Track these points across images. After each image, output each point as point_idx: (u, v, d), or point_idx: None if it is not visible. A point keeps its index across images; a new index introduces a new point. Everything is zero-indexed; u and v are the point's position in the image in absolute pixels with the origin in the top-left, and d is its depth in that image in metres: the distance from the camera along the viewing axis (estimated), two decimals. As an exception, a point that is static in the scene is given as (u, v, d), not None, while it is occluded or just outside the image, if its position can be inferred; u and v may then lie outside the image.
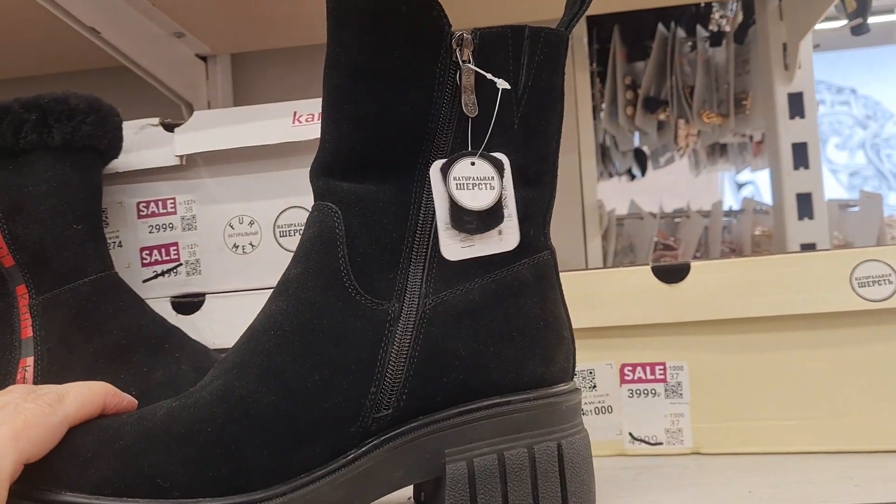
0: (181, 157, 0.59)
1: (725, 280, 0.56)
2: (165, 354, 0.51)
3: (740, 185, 3.06)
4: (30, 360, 0.50)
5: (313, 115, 0.58)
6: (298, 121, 0.58)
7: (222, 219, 0.60)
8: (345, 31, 0.39)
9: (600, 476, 0.44)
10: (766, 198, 2.10)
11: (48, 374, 0.49)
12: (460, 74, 0.40)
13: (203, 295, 0.59)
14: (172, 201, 0.60)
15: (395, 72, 0.39)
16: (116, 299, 0.52)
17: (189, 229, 0.60)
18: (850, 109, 3.36)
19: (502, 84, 0.40)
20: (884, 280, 0.53)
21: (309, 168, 0.58)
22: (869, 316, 0.54)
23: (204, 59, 1.04)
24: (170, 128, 0.60)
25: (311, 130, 0.57)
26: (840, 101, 3.38)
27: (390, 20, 0.38)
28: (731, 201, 2.61)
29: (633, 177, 1.80)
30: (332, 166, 0.41)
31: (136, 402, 0.41)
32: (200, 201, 0.60)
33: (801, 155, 1.02)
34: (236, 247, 0.59)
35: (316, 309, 0.39)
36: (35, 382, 0.49)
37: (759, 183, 2.69)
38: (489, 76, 0.40)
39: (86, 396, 0.38)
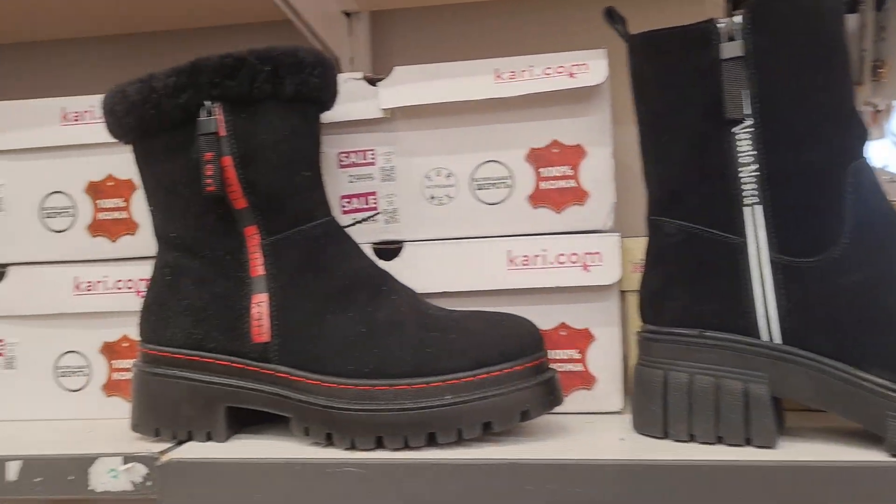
0: (385, 110, 0.62)
1: None
2: (384, 296, 0.54)
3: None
4: (263, 297, 0.54)
5: (514, 72, 0.60)
6: (500, 77, 0.60)
7: (420, 171, 0.62)
8: None
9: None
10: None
11: (282, 310, 0.53)
12: None
13: (401, 242, 0.62)
14: (372, 152, 0.63)
15: None
16: (340, 243, 0.55)
17: (388, 180, 0.63)
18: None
19: None
20: None
21: (507, 124, 0.61)
22: None
23: (348, 14, 1.07)
24: (372, 82, 0.62)
25: (513, 87, 0.59)
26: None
27: None
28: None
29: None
30: None
31: None
32: (399, 153, 0.63)
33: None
34: (433, 198, 0.62)
35: None
36: (270, 317, 0.53)
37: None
38: None
39: None
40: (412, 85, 0.61)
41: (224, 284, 0.55)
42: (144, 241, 0.65)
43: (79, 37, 1.03)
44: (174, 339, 0.55)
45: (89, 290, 0.65)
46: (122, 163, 0.65)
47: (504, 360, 0.50)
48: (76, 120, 0.65)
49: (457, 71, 0.61)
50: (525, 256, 0.60)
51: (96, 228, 0.66)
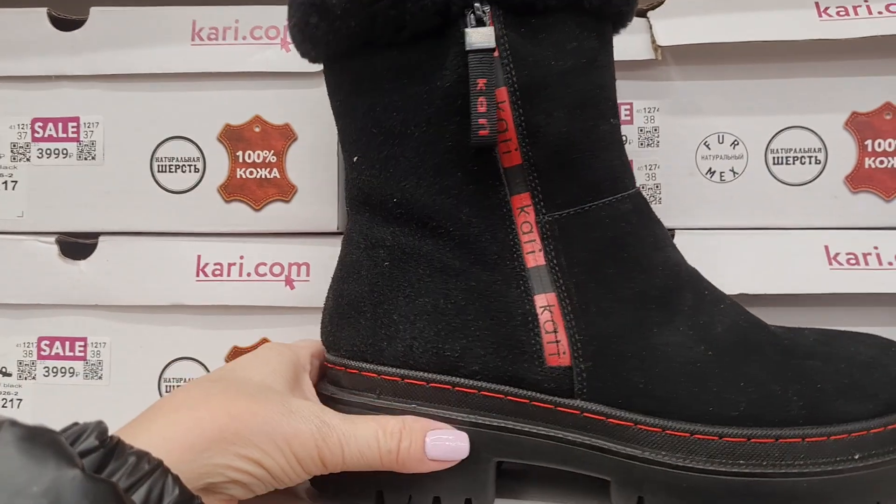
0: (658, 49, 0.46)
1: None
2: (711, 304, 0.38)
3: None
4: (550, 298, 0.37)
5: (844, 7, 0.45)
6: (826, 13, 0.45)
7: (695, 135, 0.47)
8: None
9: None
10: None
11: (583, 315, 0.36)
12: None
13: (669, 230, 0.46)
14: (628, 107, 0.47)
15: None
16: (653, 225, 0.39)
17: (648, 145, 0.47)
18: None
19: None
20: None
21: (823, 78, 0.46)
22: None
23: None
24: (641, 12, 0.46)
25: (841, 28, 0.44)
26: None
27: None
28: None
29: None
30: None
31: None
32: (666, 111, 0.47)
33: None
34: (712, 172, 0.46)
35: None
36: (566, 327, 0.36)
37: None
38: None
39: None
40: (696, 18, 0.46)
41: (485, 277, 0.37)
42: (302, 210, 0.47)
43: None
44: (410, 356, 0.37)
45: (218, 274, 0.46)
46: (276, 101, 0.47)
47: (923, 403, 0.35)
48: (212, 39, 0.47)
49: (763, 2, 0.45)
50: (851, 254, 0.45)
51: (233, 190, 0.47)
